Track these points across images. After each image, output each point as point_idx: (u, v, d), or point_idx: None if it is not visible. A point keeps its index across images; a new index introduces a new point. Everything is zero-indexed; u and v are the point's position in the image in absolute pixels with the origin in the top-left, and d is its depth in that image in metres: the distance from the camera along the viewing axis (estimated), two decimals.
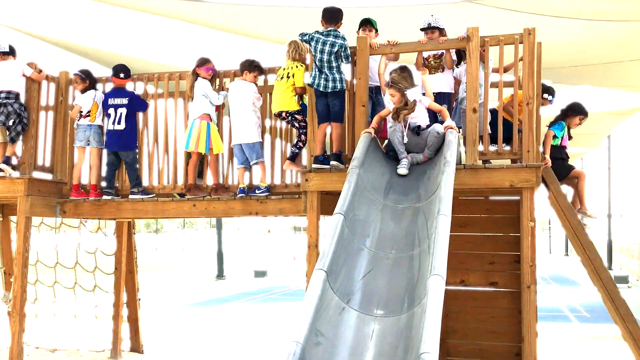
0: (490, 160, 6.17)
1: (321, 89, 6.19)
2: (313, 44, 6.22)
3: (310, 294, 4.13)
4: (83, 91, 7.25)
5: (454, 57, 6.51)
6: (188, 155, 7.01)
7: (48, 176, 7.38)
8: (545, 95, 6.77)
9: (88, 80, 7.28)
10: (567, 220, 6.36)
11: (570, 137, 7.16)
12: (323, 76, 6.18)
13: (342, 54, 6.17)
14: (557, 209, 6.49)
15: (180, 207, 7.00)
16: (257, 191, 6.71)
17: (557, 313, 13.45)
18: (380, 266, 4.74)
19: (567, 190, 7.02)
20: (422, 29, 6.52)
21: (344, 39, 6.19)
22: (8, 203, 7.68)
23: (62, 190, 7.40)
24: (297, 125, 6.60)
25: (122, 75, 7.22)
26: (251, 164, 6.79)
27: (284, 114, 6.63)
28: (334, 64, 6.17)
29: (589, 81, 12.64)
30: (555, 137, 6.90)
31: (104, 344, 8.85)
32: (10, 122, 6.99)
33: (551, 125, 6.96)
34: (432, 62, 6.42)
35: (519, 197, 7.39)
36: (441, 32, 6.44)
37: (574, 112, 7.07)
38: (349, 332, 4.24)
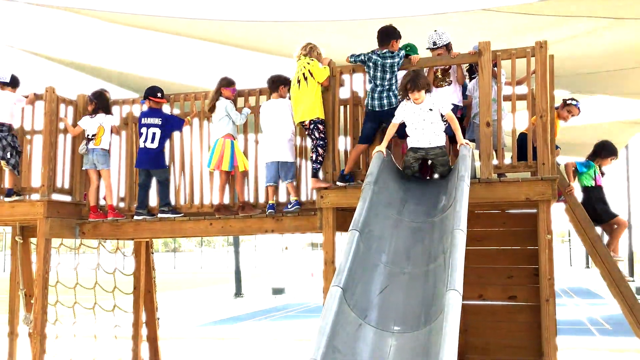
0: (506, 174, 6.15)
1: (377, 109, 6.12)
2: (371, 64, 6.18)
3: (327, 311, 4.14)
4: (91, 113, 7.36)
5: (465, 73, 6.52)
6: (227, 174, 7.01)
7: (67, 198, 7.47)
8: (569, 101, 6.75)
9: (95, 102, 7.39)
10: (584, 233, 6.32)
11: (602, 174, 7.08)
12: (377, 96, 6.12)
13: (397, 66, 6.16)
14: (574, 222, 6.46)
15: (197, 226, 7.05)
16: (289, 206, 6.68)
17: (578, 326, 13.30)
18: (397, 282, 4.73)
19: (603, 234, 6.94)
20: (428, 49, 6.53)
21: (399, 56, 6.15)
22: (28, 225, 7.78)
23: (81, 212, 7.49)
24: (316, 135, 6.43)
25: (159, 95, 7.28)
26: (284, 182, 6.75)
27: (307, 122, 6.45)
28: (386, 84, 6.11)
29: (606, 89, 12.55)
30: (578, 172, 6.84)
31: None
32: (8, 155, 7.18)
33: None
34: (438, 75, 6.42)
35: (536, 210, 7.37)
36: (447, 47, 6.46)
37: (606, 152, 7.02)
38: (366, 348, 4.24)
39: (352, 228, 4.82)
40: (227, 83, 7.05)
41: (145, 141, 7.16)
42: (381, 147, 5.70)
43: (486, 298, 7.93)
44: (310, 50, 6.57)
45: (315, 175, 6.44)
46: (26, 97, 7.42)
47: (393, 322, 4.44)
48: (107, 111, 7.43)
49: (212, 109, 7.01)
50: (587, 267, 38.71)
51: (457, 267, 4.19)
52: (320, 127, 6.44)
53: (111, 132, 7.42)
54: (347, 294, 4.34)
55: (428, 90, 5.70)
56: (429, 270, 4.78)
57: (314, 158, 6.45)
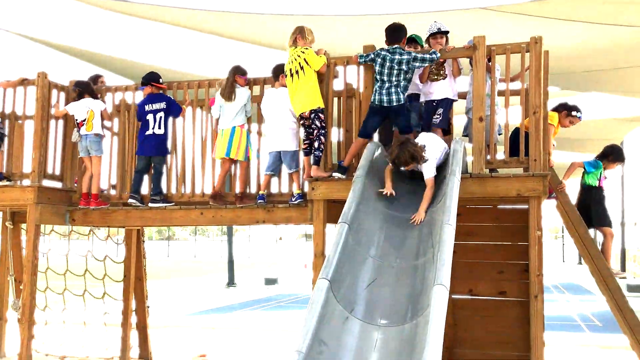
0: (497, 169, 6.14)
1: (385, 104, 5.98)
2: (379, 60, 6.04)
3: (314, 303, 4.13)
4: (76, 98, 7.34)
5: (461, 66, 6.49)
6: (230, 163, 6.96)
7: (58, 184, 7.43)
8: (574, 113, 6.74)
9: (77, 89, 7.35)
10: (575, 230, 6.32)
11: (605, 177, 7.08)
12: (385, 92, 6.00)
13: (414, 64, 5.99)
14: (565, 219, 6.46)
15: (187, 215, 7.02)
16: (292, 199, 6.61)
17: (568, 322, 13.34)
18: (385, 275, 4.73)
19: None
20: (432, 34, 6.46)
21: (409, 53, 6.01)
22: (19, 210, 7.74)
23: (72, 199, 7.45)
24: (317, 124, 6.33)
25: (160, 80, 7.26)
26: (289, 172, 6.69)
27: (307, 113, 6.33)
28: (394, 80, 5.99)
29: (601, 87, 12.58)
30: (585, 172, 6.84)
31: (113, 351, 8.87)
32: None
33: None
34: (432, 69, 6.38)
35: (527, 206, 7.37)
36: (446, 37, 6.43)
37: (615, 157, 7.00)
38: (352, 341, 4.24)
39: (342, 221, 4.81)
40: (242, 72, 6.98)
41: (153, 128, 7.11)
42: (387, 190, 5.48)
43: (476, 293, 7.94)
44: (301, 34, 6.39)
45: (317, 163, 6.33)
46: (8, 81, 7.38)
47: (380, 316, 4.44)
48: (94, 96, 7.37)
49: (231, 96, 6.81)
50: (580, 263, 38.80)
51: (445, 262, 4.19)
52: (322, 116, 6.34)
53: (102, 117, 7.36)
54: (334, 287, 4.34)
55: (415, 162, 5.44)
56: (418, 264, 4.77)
57: (316, 146, 6.33)
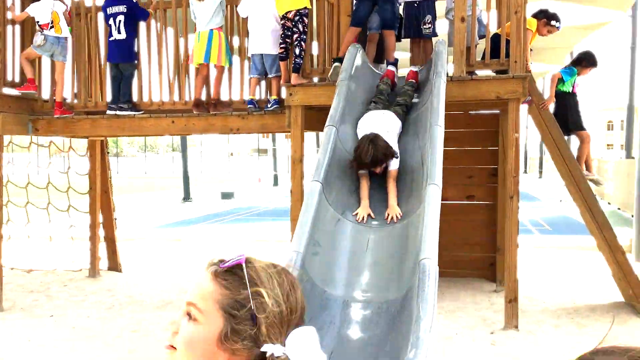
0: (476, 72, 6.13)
1: None
2: None
3: (308, 205, 4.12)
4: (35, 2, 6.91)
5: None
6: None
7: (18, 93, 7.07)
8: (553, 22, 6.69)
9: None
10: (548, 132, 6.43)
11: (577, 84, 7.13)
12: None
13: None
14: (538, 121, 6.55)
15: (158, 124, 6.83)
16: (268, 105, 6.44)
17: (521, 227, 13.89)
18: (373, 178, 4.74)
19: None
20: None
21: None
22: None
23: (34, 107, 7.12)
24: (300, 28, 6.08)
25: None
26: (270, 76, 6.46)
27: (292, 14, 6.06)
28: None
29: None
30: (562, 81, 6.88)
31: (81, 263, 8.80)
32: None
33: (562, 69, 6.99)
34: None
35: (498, 111, 7.46)
36: None
37: (588, 62, 7.01)
38: (345, 242, 4.29)
39: (329, 124, 4.76)
40: None
41: (113, 33, 6.79)
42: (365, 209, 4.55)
43: (446, 197, 8.11)
44: None
45: (297, 71, 6.13)
46: None
47: (371, 217, 4.48)
48: None
49: None
50: (525, 172, 40.16)
51: (436, 162, 4.23)
52: (306, 20, 6.09)
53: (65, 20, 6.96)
54: (325, 190, 4.33)
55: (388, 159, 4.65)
56: (406, 166, 4.79)
57: (297, 52, 6.10)
